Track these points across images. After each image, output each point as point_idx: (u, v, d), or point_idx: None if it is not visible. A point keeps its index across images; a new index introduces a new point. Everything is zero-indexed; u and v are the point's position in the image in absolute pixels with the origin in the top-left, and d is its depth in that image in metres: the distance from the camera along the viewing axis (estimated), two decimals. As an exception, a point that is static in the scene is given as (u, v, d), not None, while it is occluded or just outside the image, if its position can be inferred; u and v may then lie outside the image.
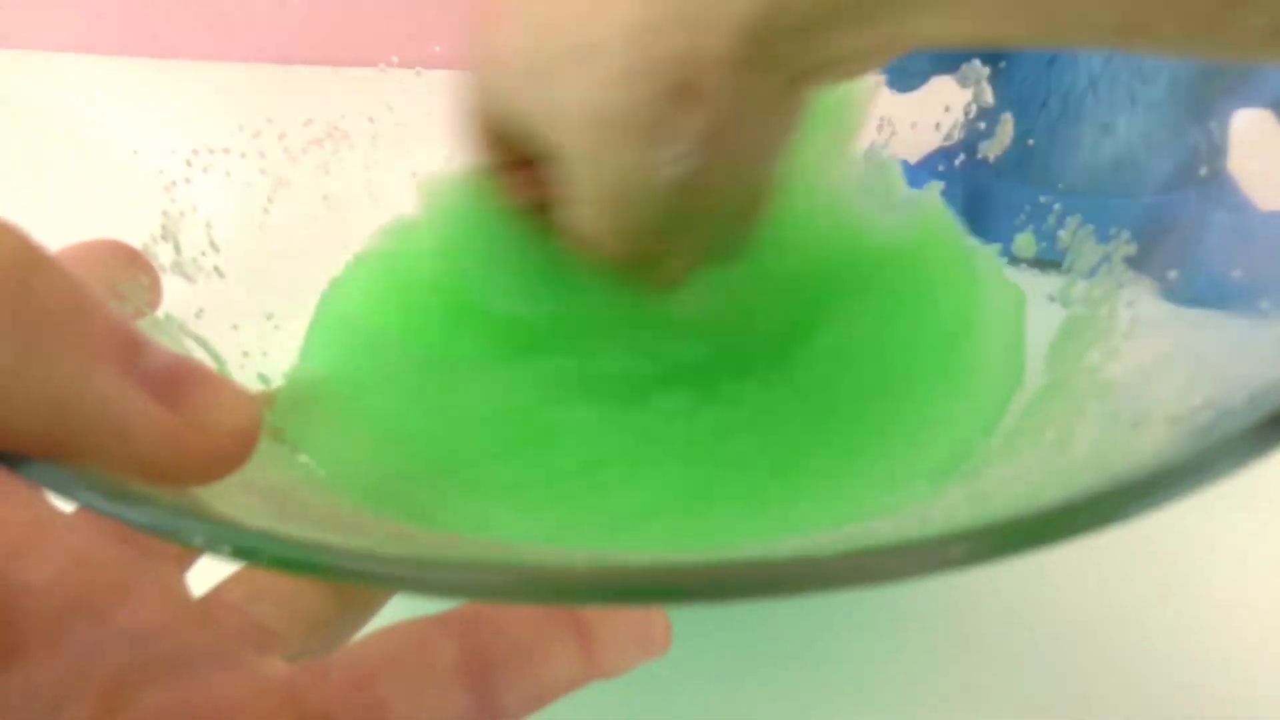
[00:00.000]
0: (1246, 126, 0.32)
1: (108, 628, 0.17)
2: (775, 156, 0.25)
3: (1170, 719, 0.26)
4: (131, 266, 0.26)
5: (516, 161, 0.27)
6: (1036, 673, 0.28)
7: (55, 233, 0.25)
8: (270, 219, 0.34)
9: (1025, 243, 0.33)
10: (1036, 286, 0.31)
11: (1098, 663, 0.28)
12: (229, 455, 0.16)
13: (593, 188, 0.24)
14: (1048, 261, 0.33)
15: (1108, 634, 0.29)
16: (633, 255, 0.26)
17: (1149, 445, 0.16)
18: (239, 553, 0.13)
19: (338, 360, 0.30)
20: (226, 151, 0.33)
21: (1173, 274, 0.31)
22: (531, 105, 0.24)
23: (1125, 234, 0.29)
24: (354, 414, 0.28)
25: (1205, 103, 0.31)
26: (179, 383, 0.15)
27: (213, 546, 0.14)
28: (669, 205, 0.24)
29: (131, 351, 0.15)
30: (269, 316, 0.32)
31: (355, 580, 0.14)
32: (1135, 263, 0.29)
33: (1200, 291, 0.30)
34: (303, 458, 0.27)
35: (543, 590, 0.13)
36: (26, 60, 0.34)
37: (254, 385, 0.30)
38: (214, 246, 0.30)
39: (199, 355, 0.28)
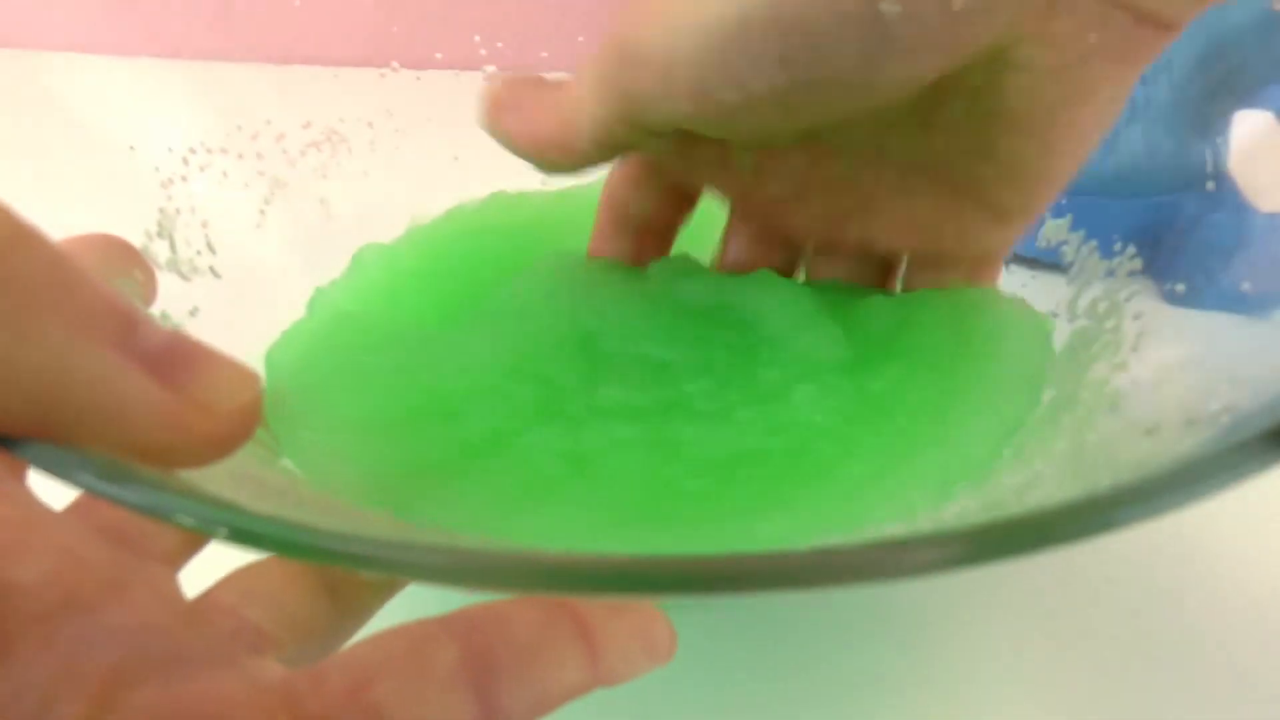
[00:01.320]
0: (1247, 129, 0.32)
1: (99, 626, 0.17)
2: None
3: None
4: (126, 261, 0.26)
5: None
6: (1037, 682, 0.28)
7: (51, 227, 0.25)
8: (267, 220, 0.33)
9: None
10: (1040, 301, 0.31)
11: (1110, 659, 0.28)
12: (230, 435, 0.15)
13: None
14: (1048, 263, 0.33)
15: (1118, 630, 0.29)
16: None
17: (1165, 450, 0.16)
18: (236, 535, 0.13)
19: (318, 352, 0.30)
20: (224, 151, 0.32)
21: (1172, 276, 0.31)
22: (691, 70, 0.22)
23: (1130, 249, 0.29)
24: (333, 411, 0.27)
25: (1209, 117, 0.31)
26: (177, 360, 0.15)
27: (208, 527, 0.13)
28: None
29: (126, 328, 0.15)
30: (265, 317, 0.31)
31: (360, 565, 0.13)
32: (1134, 254, 0.29)
33: (1200, 293, 0.29)
34: (285, 461, 0.27)
35: (545, 578, 0.13)
36: (24, 58, 0.34)
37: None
38: (210, 247, 0.30)
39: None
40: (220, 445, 0.15)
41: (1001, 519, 0.12)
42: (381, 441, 0.28)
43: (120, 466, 0.14)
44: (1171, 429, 0.17)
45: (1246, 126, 0.30)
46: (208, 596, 0.20)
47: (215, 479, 0.17)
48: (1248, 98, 0.31)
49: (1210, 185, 0.32)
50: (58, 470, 0.14)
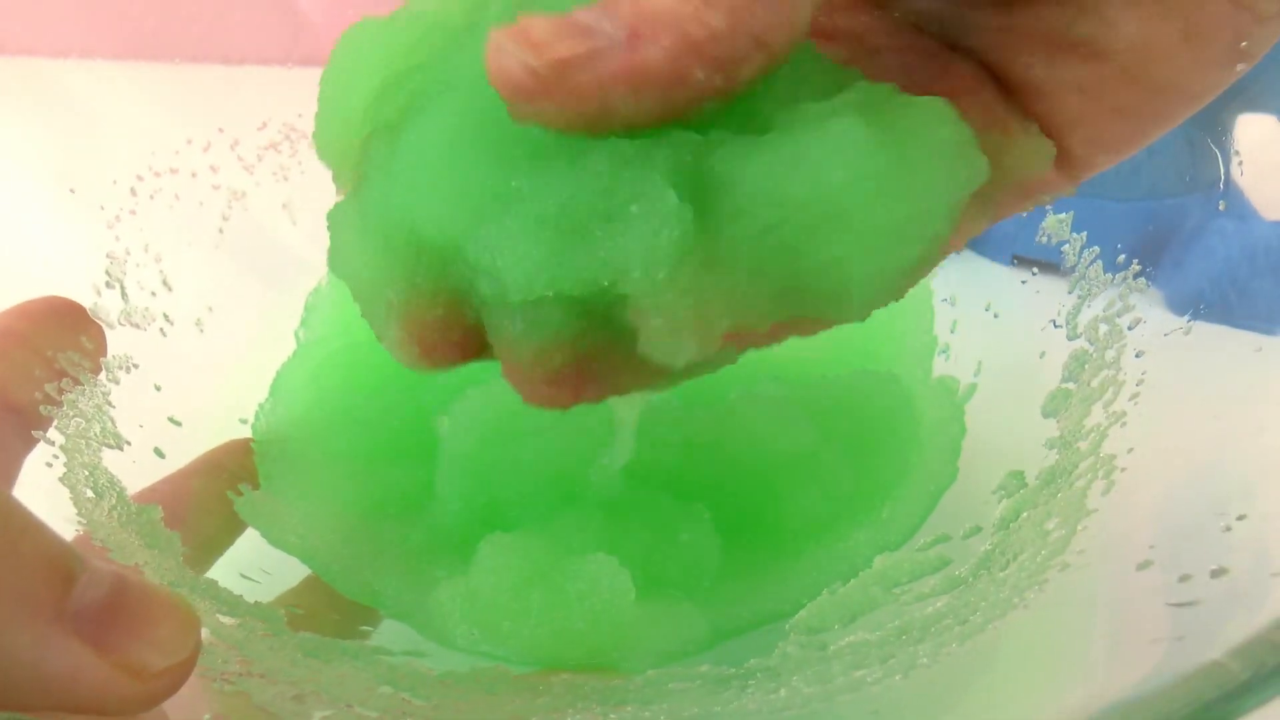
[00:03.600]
0: (1253, 135, 0.30)
1: None
2: None
3: None
4: (72, 330, 0.24)
5: None
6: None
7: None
8: (225, 239, 0.32)
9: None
10: (1038, 310, 0.29)
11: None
12: (159, 694, 0.15)
13: None
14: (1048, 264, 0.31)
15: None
16: None
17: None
18: None
19: (307, 411, 0.29)
20: (174, 172, 0.31)
21: (1175, 284, 0.30)
22: None
23: (1134, 264, 0.27)
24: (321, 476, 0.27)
25: (1212, 117, 0.29)
26: (115, 617, 0.14)
27: None
28: None
29: (64, 588, 0.14)
30: (229, 352, 0.30)
31: None
32: (1138, 272, 0.28)
33: (1204, 300, 0.28)
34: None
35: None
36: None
37: (230, 428, 0.29)
38: (166, 285, 0.28)
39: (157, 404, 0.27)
40: (148, 703, 0.15)
41: None
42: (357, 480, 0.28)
43: None
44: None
45: (1252, 132, 0.28)
46: None
47: None
48: (1250, 99, 0.29)
49: (1214, 191, 0.30)
50: None
